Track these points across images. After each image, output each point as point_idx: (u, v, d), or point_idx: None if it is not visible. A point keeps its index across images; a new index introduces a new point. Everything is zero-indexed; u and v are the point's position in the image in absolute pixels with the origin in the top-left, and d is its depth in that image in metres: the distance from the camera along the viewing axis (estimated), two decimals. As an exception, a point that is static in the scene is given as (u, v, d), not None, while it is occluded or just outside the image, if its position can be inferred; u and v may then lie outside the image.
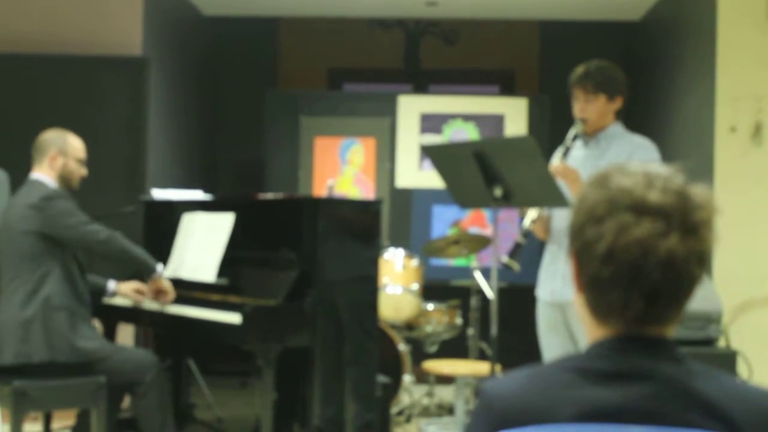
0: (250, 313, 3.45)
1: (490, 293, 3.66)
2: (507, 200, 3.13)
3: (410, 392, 5.38)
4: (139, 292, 3.95)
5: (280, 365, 3.50)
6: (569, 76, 3.39)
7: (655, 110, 6.00)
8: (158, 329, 4.45)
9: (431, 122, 6.50)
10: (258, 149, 6.71)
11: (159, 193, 4.70)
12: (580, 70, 3.37)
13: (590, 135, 3.39)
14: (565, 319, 3.36)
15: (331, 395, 3.81)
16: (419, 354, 5.53)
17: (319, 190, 6.42)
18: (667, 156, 3.72)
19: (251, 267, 3.90)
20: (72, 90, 5.22)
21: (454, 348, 5.62)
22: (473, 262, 5.38)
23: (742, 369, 4.18)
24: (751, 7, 4.87)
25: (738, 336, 4.59)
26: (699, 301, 3.92)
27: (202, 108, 6.69)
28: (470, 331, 5.24)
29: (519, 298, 5.00)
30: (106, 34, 5.39)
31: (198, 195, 4.67)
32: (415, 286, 5.35)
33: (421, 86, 7.15)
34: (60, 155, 3.74)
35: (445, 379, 5.36)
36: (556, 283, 3.37)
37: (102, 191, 5.00)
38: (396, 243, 5.90)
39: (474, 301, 5.24)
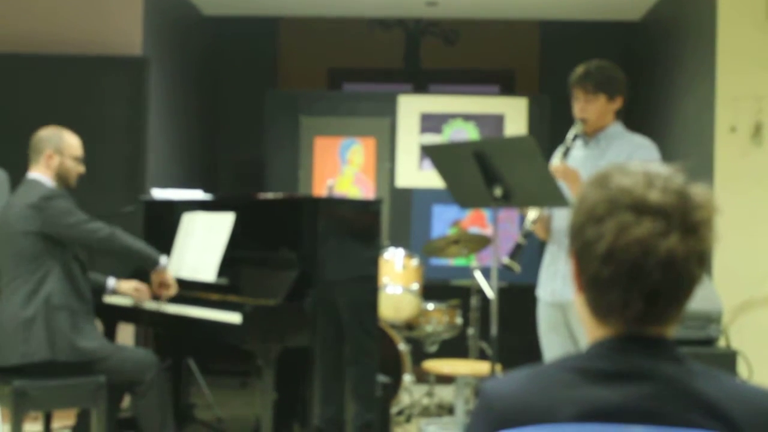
0: (250, 313, 3.45)
1: (490, 293, 3.66)
2: (507, 200, 3.13)
3: (410, 392, 5.38)
4: (138, 290, 3.95)
5: (280, 365, 3.50)
6: (569, 76, 3.39)
7: (655, 110, 6.00)
8: (158, 329, 4.45)
9: (431, 122, 6.50)
10: (258, 149, 6.71)
11: (159, 193, 4.70)
12: (580, 70, 3.37)
13: (590, 135, 3.39)
14: (566, 319, 3.36)
15: (331, 395, 3.81)
16: (419, 354, 5.53)
17: (319, 190, 6.42)
18: (667, 156, 3.72)
19: (251, 267, 3.90)
20: (72, 90, 5.22)
21: (454, 348, 5.62)
22: (473, 261, 5.38)
23: (742, 369, 4.18)
24: (751, 7, 4.87)
25: (738, 336, 4.59)
26: (699, 301, 3.92)
27: (202, 108, 6.69)
28: (470, 331, 5.24)
29: (519, 298, 5.00)
30: (106, 34, 5.39)
31: (198, 195, 4.67)
32: (415, 286, 5.35)
33: (421, 86, 7.15)
34: (56, 154, 3.73)
35: (445, 379, 5.36)
36: (557, 284, 3.37)
37: (102, 191, 5.00)
38: (396, 243, 5.90)
39: (474, 301, 5.24)
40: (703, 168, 4.89)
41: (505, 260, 3.25)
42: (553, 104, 6.25)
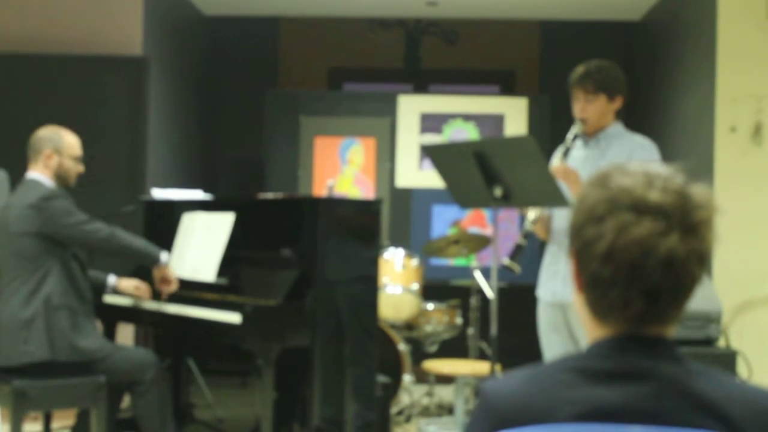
0: (250, 313, 3.45)
1: (490, 293, 3.66)
2: (507, 200, 3.13)
3: (410, 392, 5.38)
4: (139, 289, 3.96)
5: (280, 365, 3.50)
6: (569, 76, 3.39)
7: (655, 110, 6.00)
8: (158, 329, 4.45)
9: (431, 122, 6.50)
10: (258, 149, 6.71)
11: (159, 193, 4.70)
12: (580, 70, 3.37)
13: (590, 135, 3.39)
14: (566, 319, 3.36)
15: (331, 395, 3.81)
16: (419, 354, 5.53)
17: (319, 190, 6.42)
18: (667, 156, 3.72)
19: (251, 267, 3.91)
20: (72, 90, 5.22)
21: (454, 348, 5.62)
22: (473, 261, 5.38)
23: (741, 369, 4.18)
24: (751, 7, 4.87)
25: (738, 336, 4.59)
26: (699, 301, 3.93)
27: (202, 108, 6.69)
28: (470, 331, 5.24)
29: (519, 298, 5.00)
30: (106, 33, 5.39)
31: (198, 195, 4.67)
32: (415, 286, 5.35)
33: (421, 86, 7.15)
34: (55, 154, 3.72)
35: (445, 379, 5.36)
36: (557, 284, 3.37)
37: (102, 191, 5.00)
38: (396, 243, 5.90)
39: (474, 301, 5.25)
40: (703, 168, 4.89)
41: (506, 261, 3.25)
42: (553, 104, 6.25)
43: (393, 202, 6.43)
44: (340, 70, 7.22)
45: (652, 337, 1.23)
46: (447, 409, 5.46)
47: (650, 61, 6.21)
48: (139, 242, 3.80)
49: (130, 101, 5.27)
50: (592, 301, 1.25)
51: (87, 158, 3.90)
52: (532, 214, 3.36)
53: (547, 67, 6.93)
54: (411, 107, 6.51)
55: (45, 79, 5.22)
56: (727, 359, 4.09)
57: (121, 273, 4.13)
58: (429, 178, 6.27)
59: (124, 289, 4.00)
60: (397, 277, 5.31)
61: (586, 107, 3.33)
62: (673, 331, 1.25)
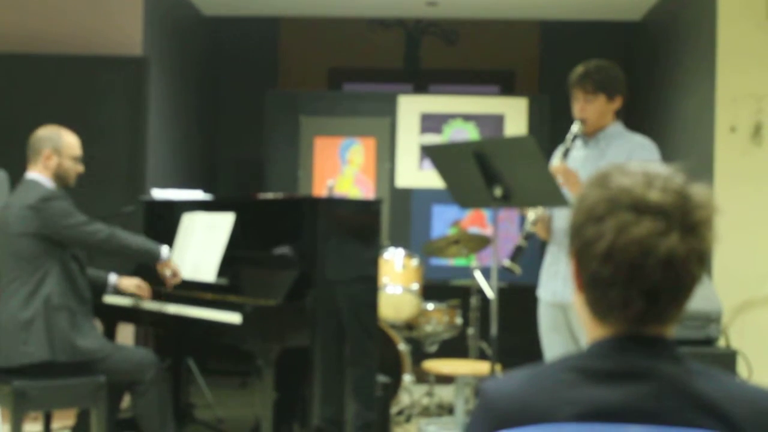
0: (250, 313, 3.45)
1: (490, 293, 3.66)
2: (507, 200, 3.13)
3: (410, 392, 5.38)
4: (141, 288, 3.96)
5: (280, 365, 3.50)
6: (569, 76, 3.39)
7: (655, 110, 6.00)
8: (158, 329, 4.45)
9: (431, 122, 6.50)
10: (258, 149, 6.71)
11: (159, 193, 4.70)
12: (579, 70, 3.37)
13: (590, 135, 3.39)
14: (567, 319, 3.36)
15: (331, 395, 3.81)
16: (419, 354, 5.53)
17: (319, 190, 6.42)
18: (667, 156, 3.72)
19: (251, 267, 3.91)
20: (72, 90, 5.22)
21: (454, 348, 5.62)
22: (473, 261, 5.38)
23: (741, 369, 4.18)
24: (751, 7, 4.87)
25: (738, 336, 4.59)
26: (699, 301, 3.93)
27: (202, 108, 6.69)
28: (470, 331, 5.24)
29: (519, 298, 5.00)
30: (106, 33, 5.39)
31: (198, 195, 4.67)
32: (415, 286, 5.35)
33: (421, 86, 7.15)
34: (54, 154, 3.71)
35: (445, 379, 5.36)
36: (558, 284, 3.36)
37: (102, 191, 5.00)
38: (396, 243, 5.90)
39: (474, 301, 5.25)
40: (703, 168, 4.89)
41: (506, 262, 3.24)
42: (553, 104, 6.25)
43: (393, 202, 6.43)
44: (340, 70, 7.22)
45: (652, 337, 1.23)
46: (447, 409, 5.46)
47: (650, 61, 6.21)
48: (139, 241, 3.80)
49: (130, 101, 5.27)
50: (592, 300, 1.25)
51: (87, 158, 3.90)
52: (532, 215, 3.36)
53: (546, 67, 6.93)
54: (411, 107, 6.51)
55: (45, 79, 5.22)
56: (727, 359, 4.09)
57: (122, 272, 4.13)
58: (429, 178, 6.27)
59: (125, 288, 4.00)
60: (397, 277, 5.31)
61: (585, 107, 3.33)
62: (673, 331, 1.25)
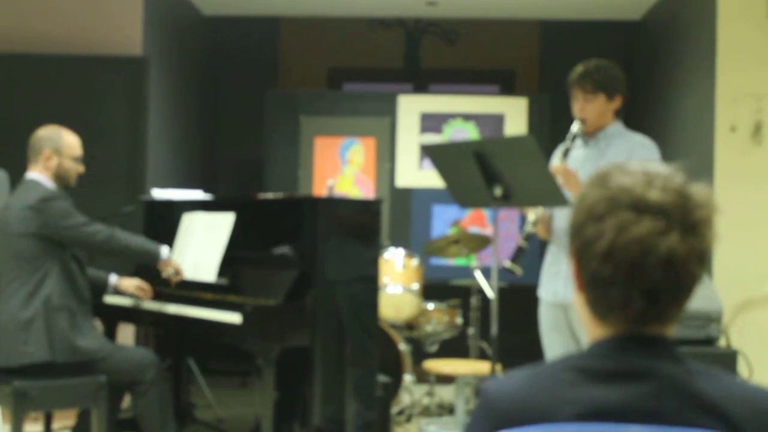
0: (250, 313, 3.45)
1: (490, 293, 3.66)
2: (507, 200, 3.13)
3: (410, 392, 5.38)
4: (141, 288, 3.96)
5: (280, 365, 3.50)
6: (569, 76, 3.39)
7: (655, 110, 6.00)
8: (159, 329, 4.45)
9: (431, 122, 6.50)
10: (258, 149, 6.71)
11: (159, 193, 4.70)
12: (579, 69, 3.37)
13: (590, 134, 3.39)
14: (568, 319, 3.36)
15: (332, 395, 3.81)
16: (419, 353, 5.53)
17: (319, 190, 6.42)
18: (667, 155, 3.72)
19: (251, 267, 3.90)
20: (72, 89, 5.22)
21: (455, 347, 5.62)
22: (473, 261, 5.38)
23: (742, 368, 4.18)
24: (751, 6, 4.87)
25: (738, 335, 4.59)
26: (699, 301, 3.93)
27: (202, 108, 6.69)
28: (470, 331, 5.24)
29: (519, 298, 5.00)
30: (106, 33, 5.39)
31: (198, 195, 4.67)
32: (416, 286, 5.35)
33: (421, 86, 7.15)
34: (55, 154, 3.71)
35: (446, 379, 5.36)
36: (558, 284, 3.36)
37: (102, 191, 5.00)
38: (396, 243, 5.90)
39: (474, 301, 5.24)
40: (703, 167, 4.89)
41: (507, 263, 3.24)
42: (553, 104, 6.25)
43: (393, 202, 6.43)
44: (340, 70, 7.22)
45: (653, 337, 1.23)
46: (447, 409, 5.46)
47: (650, 61, 6.21)
48: (139, 241, 3.80)
49: (130, 101, 5.27)
50: (593, 300, 1.25)
51: (87, 158, 3.90)
52: (532, 215, 3.36)
53: (546, 67, 6.93)
54: (411, 107, 6.51)
55: (45, 79, 5.22)
56: (728, 359, 4.09)
57: (122, 272, 4.13)
58: (429, 178, 6.27)
59: (125, 289, 4.00)
60: (397, 277, 5.31)
61: (585, 107, 3.33)
62: (674, 331, 1.25)
